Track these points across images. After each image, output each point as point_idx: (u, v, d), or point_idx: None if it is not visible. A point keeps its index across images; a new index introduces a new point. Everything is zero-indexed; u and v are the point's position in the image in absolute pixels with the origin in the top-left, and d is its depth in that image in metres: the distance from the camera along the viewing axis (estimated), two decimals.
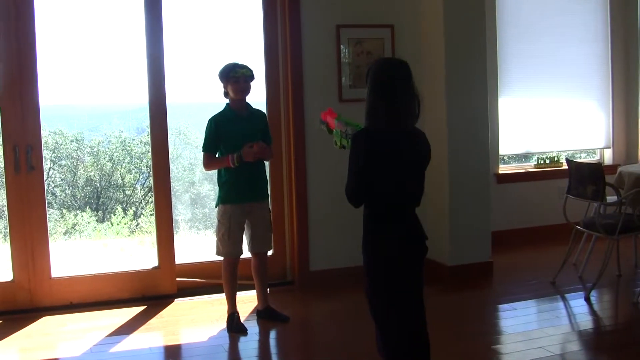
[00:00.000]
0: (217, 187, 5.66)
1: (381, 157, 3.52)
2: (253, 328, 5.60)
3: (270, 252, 5.85)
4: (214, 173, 5.84)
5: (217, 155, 5.56)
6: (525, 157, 8.65)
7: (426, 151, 3.68)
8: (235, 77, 5.44)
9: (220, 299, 5.91)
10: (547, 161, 8.42)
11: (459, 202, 6.72)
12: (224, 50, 7.78)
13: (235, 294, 5.65)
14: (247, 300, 6.14)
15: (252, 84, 5.55)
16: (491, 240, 6.90)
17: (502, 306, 6.11)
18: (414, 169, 3.62)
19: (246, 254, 5.67)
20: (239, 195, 5.51)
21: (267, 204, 5.69)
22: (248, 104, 5.60)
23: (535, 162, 8.45)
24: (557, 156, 8.49)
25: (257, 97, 6.35)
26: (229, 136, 5.49)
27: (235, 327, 5.54)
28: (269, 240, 5.75)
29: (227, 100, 5.59)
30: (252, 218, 5.58)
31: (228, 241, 5.52)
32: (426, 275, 3.77)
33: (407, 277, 3.66)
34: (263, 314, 5.78)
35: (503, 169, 8.21)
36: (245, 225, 5.60)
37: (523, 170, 8.35)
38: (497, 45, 7.92)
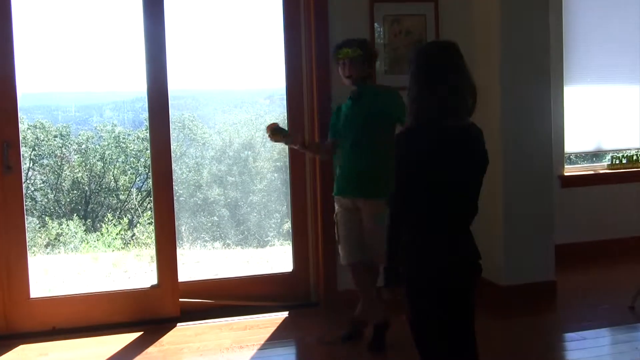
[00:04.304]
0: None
1: (427, 160, 3.54)
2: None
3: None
4: None
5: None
6: (597, 155, 8.63)
7: (483, 152, 3.69)
8: (337, 59, 5.68)
9: (231, 323, 5.96)
10: (624, 161, 8.39)
11: (516, 209, 6.71)
12: (237, 28, 7.80)
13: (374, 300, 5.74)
14: (263, 325, 6.17)
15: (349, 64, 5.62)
16: (555, 255, 6.88)
17: (568, 335, 6.09)
18: (467, 174, 3.62)
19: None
20: (338, 186, 5.77)
21: (372, 203, 5.57)
22: (363, 86, 5.70)
23: (609, 162, 8.42)
24: (636, 155, 8.46)
25: (276, 84, 6.39)
26: (340, 123, 5.75)
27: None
28: (369, 246, 5.67)
29: None
30: (363, 217, 5.69)
31: (339, 242, 5.78)
32: (476, 297, 3.78)
33: (457, 302, 3.67)
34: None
35: (569, 170, 8.19)
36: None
37: (593, 172, 8.33)
38: (563, 22, 7.90)
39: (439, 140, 3.54)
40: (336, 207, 5.80)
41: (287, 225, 7.46)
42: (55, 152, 9.49)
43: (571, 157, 8.43)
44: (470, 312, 3.71)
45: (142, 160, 9.58)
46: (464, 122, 3.63)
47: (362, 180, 5.61)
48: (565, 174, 8.07)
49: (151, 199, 6.62)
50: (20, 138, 6.24)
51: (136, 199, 9.71)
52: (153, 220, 6.50)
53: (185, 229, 8.84)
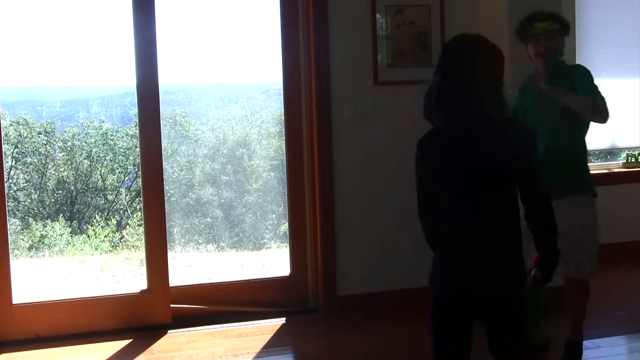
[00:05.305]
0: None
1: (435, 161, 3.56)
2: None
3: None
4: None
5: None
6: (611, 153, 8.62)
7: (506, 151, 3.57)
8: (526, 36, 5.27)
9: (225, 330, 5.94)
10: None
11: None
12: (231, 18, 7.80)
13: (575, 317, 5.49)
14: (259, 332, 6.17)
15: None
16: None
17: (584, 343, 6.08)
18: (480, 177, 3.58)
19: None
20: None
21: (580, 200, 5.30)
22: (556, 64, 5.30)
23: (625, 160, 8.41)
24: None
25: (272, 78, 6.37)
26: (526, 110, 5.33)
27: None
28: (582, 258, 5.32)
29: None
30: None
31: None
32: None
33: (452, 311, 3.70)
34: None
35: None
36: None
37: (607, 171, 8.32)
38: (576, 12, 7.89)
39: (447, 139, 3.55)
40: None
41: (284, 227, 7.47)
42: (39, 149, 9.48)
43: None
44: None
45: (131, 158, 9.57)
46: (490, 120, 3.58)
47: (558, 175, 5.15)
48: None
49: (141, 199, 6.62)
50: (2, 135, 6.22)
51: (125, 199, 9.71)
52: (143, 222, 6.49)
53: (176, 231, 8.85)
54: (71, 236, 9.30)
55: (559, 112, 5.20)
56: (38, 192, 9.50)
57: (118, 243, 9.35)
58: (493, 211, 3.55)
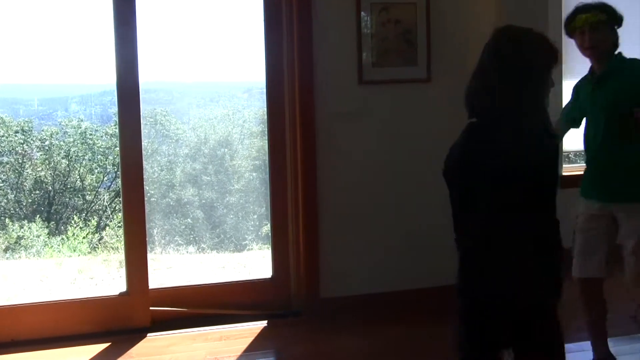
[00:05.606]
0: None
1: (458, 162, 3.56)
2: None
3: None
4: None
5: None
6: None
7: (533, 162, 3.65)
8: (572, 29, 5.05)
9: (205, 333, 5.91)
10: None
11: None
12: (213, 15, 7.79)
13: (598, 335, 5.43)
14: (240, 336, 6.15)
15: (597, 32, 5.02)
16: None
17: (568, 346, 6.05)
18: (505, 188, 3.56)
19: None
20: (589, 189, 5.18)
21: (633, 208, 5.02)
22: (610, 60, 5.14)
23: None
24: None
25: (255, 77, 6.34)
26: (583, 109, 5.18)
27: None
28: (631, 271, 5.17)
29: None
30: (621, 228, 5.09)
31: (575, 252, 5.23)
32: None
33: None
34: None
35: (569, 169, 8.18)
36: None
37: None
38: (563, 12, 7.90)
39: (472, 148, 3.56)
40: (580, 210, 5.22)
41: (266, 228, 7.45)
42: (16, 149, 9.46)
43: (570, 155, 8.42)
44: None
45: (111, 158, 9.56)
46: (496, 122, 3.55)
47: (617, 180, 5.03)
48: (564, 173, 8.06)
49: (120, 199, 6.59)
50: None
51: (104, 199, 9.68)
52: (122, 223, 6.46)
53: (156, 232, 8.83)
54: (48, 237, 9.27)
55: (606, 111, 5.00)
56: (15, 192, 9.47)
57: (97, 244, 9.33)
58: (519, 217, 3.55)
